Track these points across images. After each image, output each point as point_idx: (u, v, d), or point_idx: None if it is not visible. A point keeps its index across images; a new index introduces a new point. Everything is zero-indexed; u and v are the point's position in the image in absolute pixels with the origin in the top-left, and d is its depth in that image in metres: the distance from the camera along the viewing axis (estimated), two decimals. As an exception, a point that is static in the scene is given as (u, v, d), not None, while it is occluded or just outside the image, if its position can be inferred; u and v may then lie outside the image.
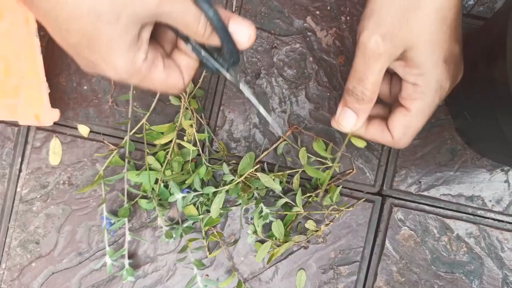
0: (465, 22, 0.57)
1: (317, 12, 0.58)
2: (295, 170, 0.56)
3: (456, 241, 0.57)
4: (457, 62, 0.40)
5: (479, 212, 0.58)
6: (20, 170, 0.60)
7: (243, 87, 0.42)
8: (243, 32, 0.36)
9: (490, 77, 0.42)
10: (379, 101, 0.45)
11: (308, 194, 0.55)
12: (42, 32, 0.59)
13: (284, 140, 0.57)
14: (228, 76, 0.39)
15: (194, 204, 0.56)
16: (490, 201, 0.57)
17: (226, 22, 0.35)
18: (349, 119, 0.43)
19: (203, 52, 0.37)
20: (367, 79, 0.39)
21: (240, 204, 0.58)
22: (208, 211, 0.56)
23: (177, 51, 0.38)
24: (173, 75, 0.36)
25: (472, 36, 0.52)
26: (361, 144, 0.49)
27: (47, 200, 0.60)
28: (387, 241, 0.58)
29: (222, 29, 0.35)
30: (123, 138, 0.59)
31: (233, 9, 0.59)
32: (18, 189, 0.60)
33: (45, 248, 0.59)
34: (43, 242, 0.60)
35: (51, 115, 0.55)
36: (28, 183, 0.60)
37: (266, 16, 0.58)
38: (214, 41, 0.35)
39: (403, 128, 0.42)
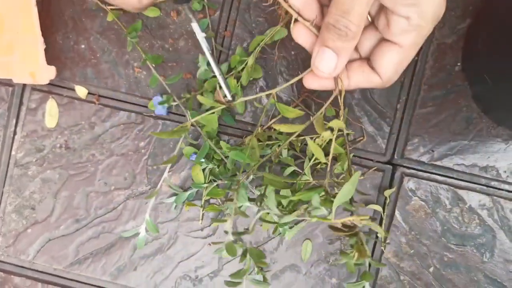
0: (486, -17, 0.54)
1: (330, -30, 0.55)
2: (309, 136, 0.53)
3: (468, 213, 0.55)
4: None
5: (492, 183, 0.56)
6: (14, 133, 0.57)
7: (194, 27, 0.38)
8: None
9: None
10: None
11: (316, 161, 0.53)
12: (37, -13, 0.56)
13: (297, 105, 0.55)
14: (186, 8, 0.35)
15: (203, 171, 0.54)
16: (505, 171, 0.55)
17: None
18: (329, 61, 0.35)
19: None
20: (353, 10, 0.32)
21: (245, 171, 0.55)
22: (214, 180, 0.54)
23: None
24: None
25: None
26: (339, 123, 0.41)
27: (43, 164, 0.57)
28: (396, 212, 0.56)
29: None
30: (122, 101, 0.56)
31: (241, -35, 0.55)
32: (13, 153, 0.57)
33: (41, 214, 0.57)
34: (39, 207, 0.57)
35: (47, 73, 0.52)
36: (23, 146, 0.57)
37: (276, -27, 0.55)
38: None
39: (395, 66, 0.36)
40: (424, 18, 0.33)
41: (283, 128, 0.40)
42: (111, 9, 0.55)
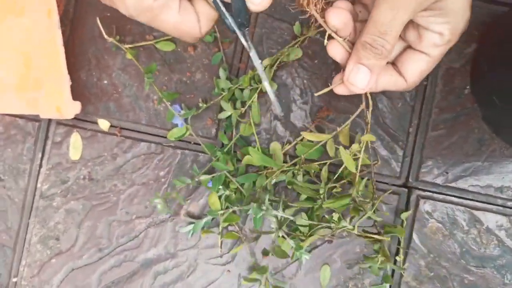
0: (489, 9, 0.56)
1: (338, 3, 0.58)
2: (323, 162, 0.54)
3: (486, 234, 0.55)
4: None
5: (509, 203, 0.56)
6: (40, 166, 0.60)
7: (253, 56, 0.40)
8: None
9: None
10: None
11: (332, 185, 0.54)
12: (63, 28, 0.59)
13: (311, 131, 0.56)
14: (241, 38, 0.37)
15: (220, 198, 0.55)
16: (521, 192, 0.55)
17: None
18: (363, 77, 0.38)
19: (220, 5, 0.35)
20: (391, 31, 0.35)
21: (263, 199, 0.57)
22: (230, 207, 0.56)
23: None
24: (188, 20, 0.35)
25: (500, 20, 0.51)
26: (372, 138, 0.46)
27: (67, 196, 0.59)
28: (414, 234, 0.56)
29: None
30: (143, 132, 0.59)
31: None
32: (39, 185, 0.59)
33: (65, 244, 0.59)
34: (63, 238, 0.59)
35: (73, 108, 0.55)
36: (48, 179, 0.59)
37: (286, 7, 0.58)
38: None
39: (422, 72, 0.39)
40: (455, 34, 0.37)
41: (312, 137, 0.43)
42: (129, 47, 0.58)
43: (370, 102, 0.41)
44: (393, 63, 0.40)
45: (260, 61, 0.40)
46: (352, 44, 0.39)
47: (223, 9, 0.35)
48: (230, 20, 0.35)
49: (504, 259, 0.55)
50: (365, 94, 0.41)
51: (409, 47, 0.39)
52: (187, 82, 0.59)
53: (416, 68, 0.39)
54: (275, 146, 0.55)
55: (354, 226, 0.42)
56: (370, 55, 0.37)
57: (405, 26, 0.38)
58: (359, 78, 0.38)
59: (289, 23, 0.58)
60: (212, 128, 0.58)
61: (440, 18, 0.36)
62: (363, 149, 0.43)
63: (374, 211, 0.42)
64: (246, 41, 0.38)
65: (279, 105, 0.46)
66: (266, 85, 0.41)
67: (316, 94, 0.47)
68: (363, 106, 0.42)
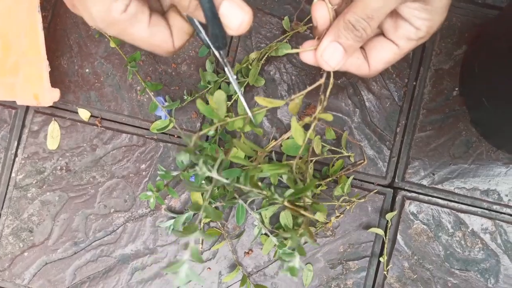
0: (480, 12, 0.56)
1: (329, -2, 0.57)
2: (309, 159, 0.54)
3: (471, 237, 0.55)
4: None
5: (494, 207, 0.55)
6: (15, 155, 0.57)
7: (228, 72, 0.39)
8: (235, 16, 0.31)
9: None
10: None
11: (317, 183, 0.53)
12: (44, 13, 0.57)
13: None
14: (216, 54, 0.36)
15: (202, 194, 0.53)
16: (507, 195, 0.55)
17: (219, 2, 0.31)
18: (337, 56, 0.37)
19: (196, 21, 0.33)
20: (377, 17, 0.34)
21: (246, 193, 0.55)
22: (212, 202, 0.54)
23: (174, 10, 0.34)
24: (159, 35, 0.33)
25: (491, 23, 0.51)
26: (329, 117, 0.43)
27: (43, 187, 0.57)
28: (398, 236, 0.55)
29: (208, 10, 0.31)
30: (124, 124, 0.57)
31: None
32: (13, 175, 0.57)
33: (39, 236, 0.56)
34: (37, 230, 0.56)
35: (51, 95, 0.52)
36: (24, 168, 0.57)
37: (276, 1, 0.57)
38: (200, 18, 0.32)
39: (387, 62, 0.39)
40: (429, 32, 0.36)
41: (264, 102, 0.41)
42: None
43: (331, 80, 0.40)
44: (361, 47, 0.40)
45: (235, 77, 0.39)
46: (336, 15, 0.38)
47: (201, 29, 0.33)
48: (206, 40, 0.34)
49: (488, 263, 0.55)
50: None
51: (380, 34, 0.39)
52: (172, 74, 0.57)
53: (383, 56, 0.38)
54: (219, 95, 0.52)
55: (284, 197, 0.42)
56: (349, 35, 0.36)
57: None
58: (333, 57, 0.37)
59: (278, 18, 0.57)
60: (197, 121, 0.57)
61: (424, 13, 0.35)
62: (314, 124, 0.42)
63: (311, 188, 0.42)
64: (223, 59, 0.37)
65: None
66: (243, 101, 0.42)
67: (286, 51, 0.50)
68: (321, 81, 0.41)
